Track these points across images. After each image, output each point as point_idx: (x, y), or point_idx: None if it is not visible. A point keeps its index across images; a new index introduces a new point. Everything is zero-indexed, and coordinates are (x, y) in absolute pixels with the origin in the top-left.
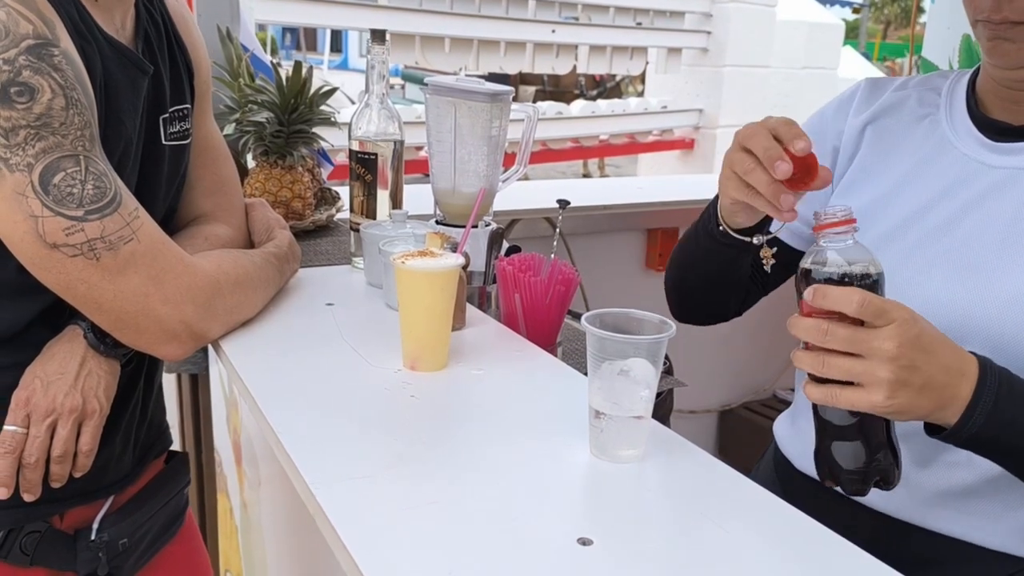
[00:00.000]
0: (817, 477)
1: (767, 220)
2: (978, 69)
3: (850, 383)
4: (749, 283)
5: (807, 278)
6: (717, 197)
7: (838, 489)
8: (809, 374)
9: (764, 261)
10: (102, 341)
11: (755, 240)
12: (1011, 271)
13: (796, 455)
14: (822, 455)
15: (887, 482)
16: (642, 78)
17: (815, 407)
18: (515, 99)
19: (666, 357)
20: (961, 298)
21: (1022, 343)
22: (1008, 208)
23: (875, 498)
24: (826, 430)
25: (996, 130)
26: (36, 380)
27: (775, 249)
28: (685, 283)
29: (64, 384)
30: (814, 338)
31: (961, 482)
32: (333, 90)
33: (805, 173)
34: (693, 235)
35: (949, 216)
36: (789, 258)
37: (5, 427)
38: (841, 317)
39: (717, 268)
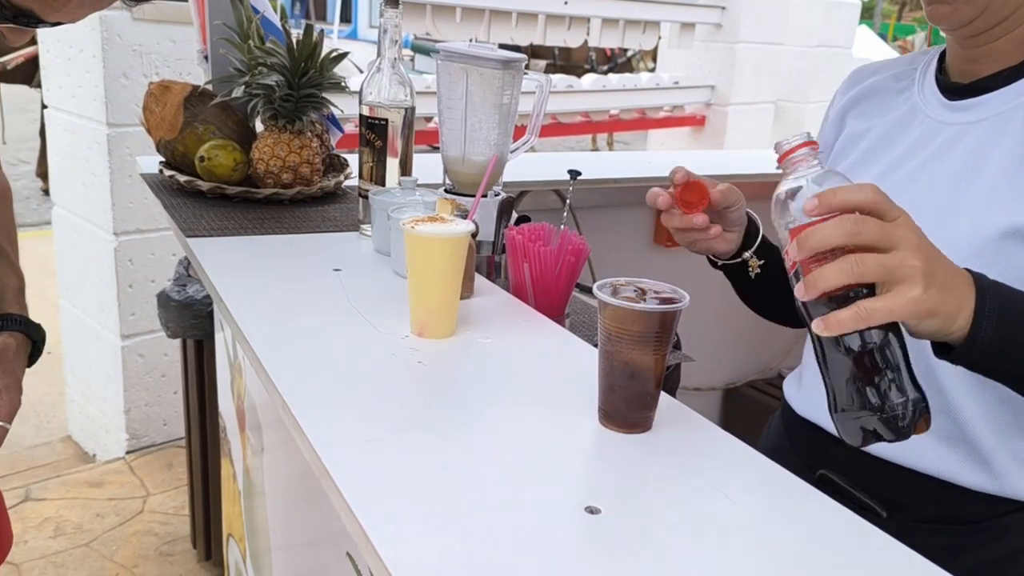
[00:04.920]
0: (839, 433)
1: (748, 237)
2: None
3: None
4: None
5: (794, 196)
6: None
7: (877, 445)
8: (815, 314)
9: (750, 270)
10: None
11: (745, 256)
12: (959, 216)
13: (800, 404)
14: (846, 411)
15: (928, 415)
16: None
17: (826, 359)
18: (527, 68)
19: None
20: None
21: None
22: (957, 158)
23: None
24: (845, 373)
25: (953, 90)
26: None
27: (763, 261)
28: (751, 305)
29: None
30: (845, 236)
31: (942, 428)
32: (344, 54)
33: (699, 195)
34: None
35: (909, 173)
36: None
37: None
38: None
39: (748, 291)
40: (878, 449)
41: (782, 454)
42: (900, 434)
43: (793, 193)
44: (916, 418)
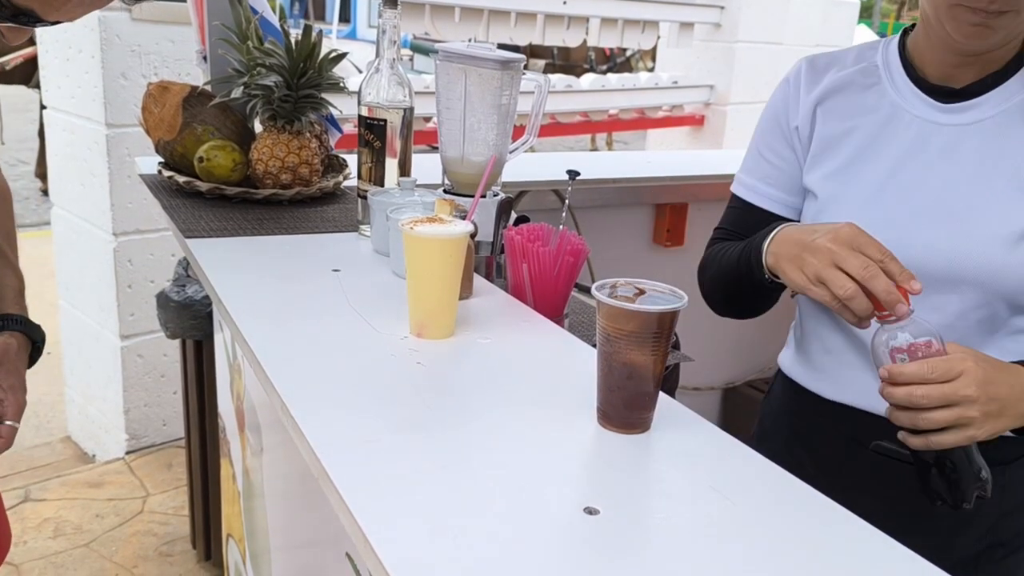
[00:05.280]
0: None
1: None
2: (903, 37)
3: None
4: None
5: (886, 353)
6: (755, 248)
7: (962, 506)
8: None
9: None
10: None
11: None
12: (984, 213)
13: (804, 377)
14: (932, 484)
15: (989, 485)
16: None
17: (915, 451)
18: (525, 68)
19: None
20: (946, 246)
21: (1007, 277)
22: (968, 159)
23: (874, 403)
24: (931, 465)
25: (942, 94)
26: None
27: None
28: (727, 302)
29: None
30: (913, 404)
31: None
32: (343, 55)
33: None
34: (734, 276)
35: (917, 174)
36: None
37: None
38: None
39: (763, 300)
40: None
41: (791, 439)
42: (975, 498)
43: (891, 340)
44: (974, 493)
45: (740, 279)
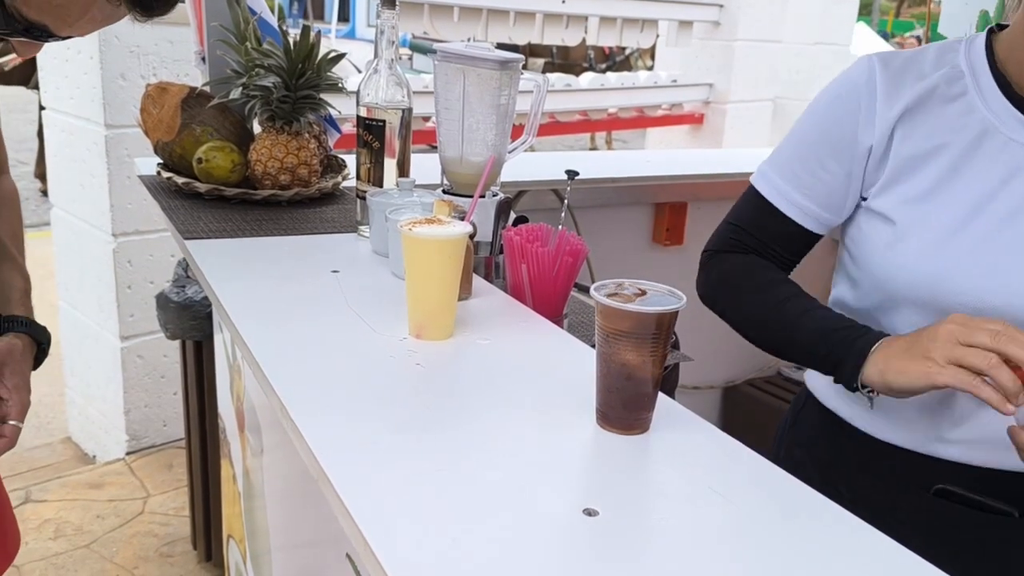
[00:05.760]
0: None
1: None
2: (989, 36)
3: None
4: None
5: None
6: (846, 363)
7: None
8: None
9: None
10: None
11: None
12: None
13: (850, 413)
14: None
15: None
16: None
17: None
18: (524, 68)
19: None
20: None
21: None
22: None
23: (937, 448)
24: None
25: None
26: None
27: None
28: (758, 341)
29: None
30: None
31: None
32: (341, 55)
33: None
34: (787, 345)
35: (1014, 205)
36: (803, 238)
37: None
38: None
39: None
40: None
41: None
42: None
43: None
44: None
45: (799, 356)
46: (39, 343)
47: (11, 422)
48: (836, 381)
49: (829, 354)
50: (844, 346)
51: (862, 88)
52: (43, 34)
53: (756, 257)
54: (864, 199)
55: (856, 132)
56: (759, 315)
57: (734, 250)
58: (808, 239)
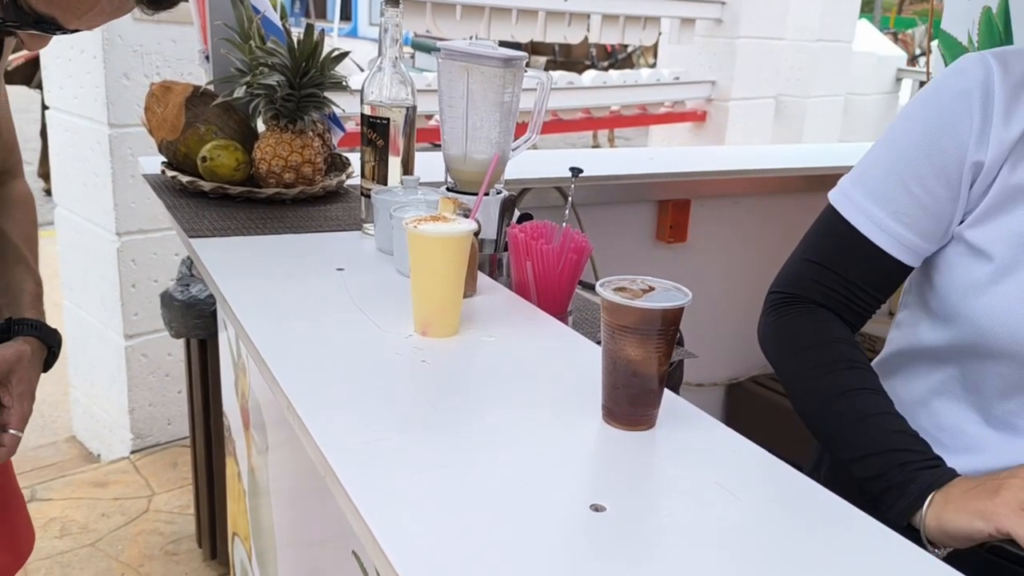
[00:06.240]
0: None
1: None
2: None
3: None
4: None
5: None
6: (902, 499)
7: None
8: None
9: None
10: None
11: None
12: None
13: None
14: None
15: None
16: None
17: None
18: (527, 65)
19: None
20: None
21: None
22: None
23: None
24: None
25: None
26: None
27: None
28: (809, 429)
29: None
30: None
31: None
32: (345, 54)
33: None
34: (841, 450)
35: None
36: (896, 273)
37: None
38: None
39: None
40: None
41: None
42: None
43: None
44: None
45: (844, 455)
46: (49, 347)
47: (11, 431)
48: (877, 507)
49: (880, 475)
50: (903, 473)
51: (976, 96)
52: (52, 27)
53: (835, 321)
54: (960, 223)
55: (967, 148)
56: (816, 397)
57: (809, 296)
58: (901, 274)
